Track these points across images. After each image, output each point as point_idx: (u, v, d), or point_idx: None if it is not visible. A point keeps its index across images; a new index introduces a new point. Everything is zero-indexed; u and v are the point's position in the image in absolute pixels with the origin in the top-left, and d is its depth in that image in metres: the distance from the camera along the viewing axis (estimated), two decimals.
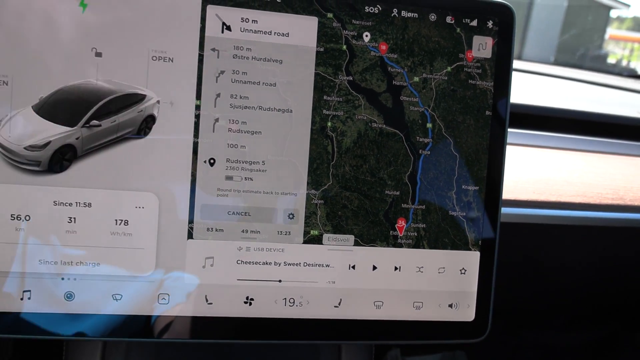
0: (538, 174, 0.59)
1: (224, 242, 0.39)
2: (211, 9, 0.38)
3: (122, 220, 0.38)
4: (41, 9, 0.36)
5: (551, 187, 0.57)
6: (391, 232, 0.41)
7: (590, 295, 0.59)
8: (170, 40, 0.37)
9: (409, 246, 0.41)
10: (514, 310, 0.47)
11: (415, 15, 0.40)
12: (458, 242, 0.42)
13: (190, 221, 0.38)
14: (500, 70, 0.42)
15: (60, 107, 0.37)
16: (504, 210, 0.47)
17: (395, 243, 0.41)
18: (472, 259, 0.42)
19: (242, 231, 0.39)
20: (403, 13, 0.40)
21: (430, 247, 0.42)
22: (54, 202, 0.37)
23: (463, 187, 0.42)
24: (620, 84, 1.06)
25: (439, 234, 0.42)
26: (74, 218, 0.37)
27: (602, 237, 0.55)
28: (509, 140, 0.43)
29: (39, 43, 0.36)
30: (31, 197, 0.37)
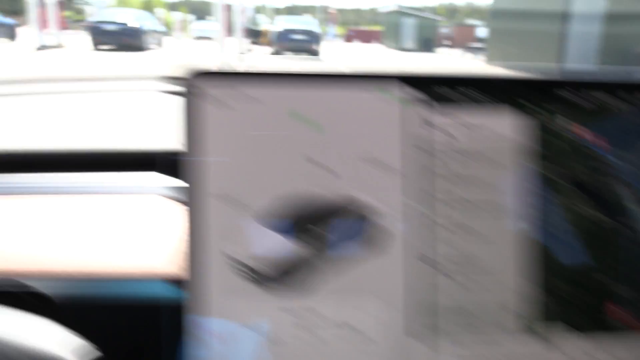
0: None
1: (441, 340, 0.39)
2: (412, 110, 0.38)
3: (345, 323, 0.38)
4: None
5: None
6: (607, 318, 0.40)
7: None
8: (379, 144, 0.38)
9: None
10: None
11: (626, 106, 0.40)
12: None
13: (410, 320, 0.38)
14: None
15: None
16: None
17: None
18: None
19: (459, 326, 0.39)
20: (612, 103, 0.40)
21: None
22: (281, 308, 0.38)
23: None
24: None
25: None
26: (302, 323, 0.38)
27: None
28: None
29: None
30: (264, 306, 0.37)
